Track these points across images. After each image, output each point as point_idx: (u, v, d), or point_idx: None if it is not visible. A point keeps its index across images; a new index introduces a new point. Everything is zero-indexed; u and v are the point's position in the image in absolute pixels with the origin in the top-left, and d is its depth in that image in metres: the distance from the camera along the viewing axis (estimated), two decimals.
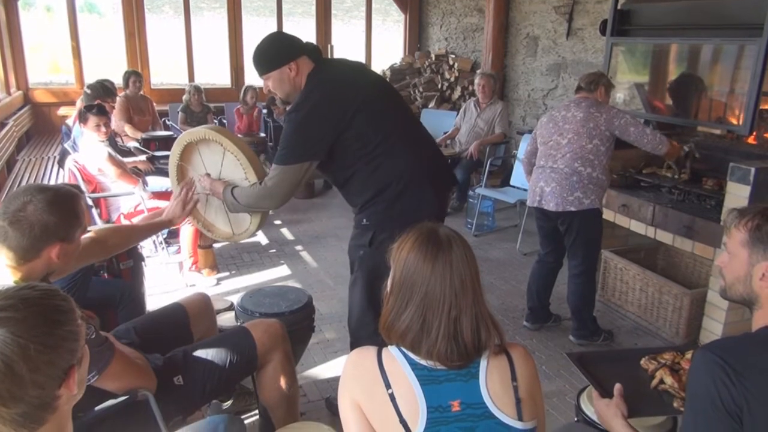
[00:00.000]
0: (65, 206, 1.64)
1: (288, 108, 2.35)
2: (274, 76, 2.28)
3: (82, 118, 3.94)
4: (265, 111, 6.83)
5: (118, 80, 5.92)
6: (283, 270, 4.43)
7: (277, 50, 2.29)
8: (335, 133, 2.24)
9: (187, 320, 2.24)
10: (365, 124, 2.25)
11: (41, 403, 0.93)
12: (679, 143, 3.45)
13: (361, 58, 8.47)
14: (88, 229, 1.96)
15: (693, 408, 1.26)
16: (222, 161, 2.43)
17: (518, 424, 1.27)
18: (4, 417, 0.91)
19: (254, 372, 2.16)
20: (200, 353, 2.00)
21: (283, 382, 2.14)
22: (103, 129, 3.94)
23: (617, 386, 1.59)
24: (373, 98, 2.32)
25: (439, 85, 7.37)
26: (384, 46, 8.80)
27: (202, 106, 6.44)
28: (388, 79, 7.52)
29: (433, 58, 7.56)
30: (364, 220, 2.35)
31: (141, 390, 1.78)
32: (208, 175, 2.48)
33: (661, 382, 1.75)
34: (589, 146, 3.13)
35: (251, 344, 2.06)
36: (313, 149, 2.26)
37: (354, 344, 2.49)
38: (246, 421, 2.48)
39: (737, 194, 2.91)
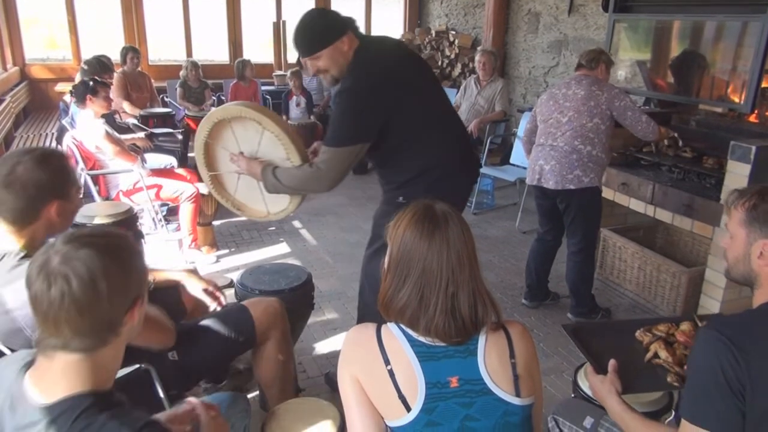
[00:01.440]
0: (54, 162, 1.64)
1: (338, 86, 2.24)
2: (327, 53, 2.16)
3: (92, 91, 3.91)
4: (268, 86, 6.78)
5: (115, 56, 5.87)
6: (282, 247, 4.43)
7: (328, 25, 2.17)
8: (387, 114, 2.17)
9: (178, 293, 2.23)
10: (413, 105, 2.20)
11: (109, 322, 1.07)
12: (666, 131, 3.50)
13: None
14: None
15: (694, 384, 1.27)
16: (260, 140, 2.33)
17: (516, 400, 1.29)
18: (78, 326, 1.03)
19: (251, 349, 2.16)
20: (197, 329, 2.01)
21: (279, 361, 2.14)
22: (110, 100, 3.97)
23: (611, 362, 1.61)
24: (419, 79, 2.27)
25: (439, 62, 7.30)
26: (384, 23, 8.70)
27: (200, 82, 6.40)
28: None
29: (434, 35, 7.49)
30: (401, 198, 2.28)
31: (161, 345, 1.82)
32: (242, 153, 2.39)
33: (656, 356, 1.74)
34: (590, 125, 3.12)
35: (249, 322, 2.07)
36: (367, 130, 2.18)
37: (362, 319, 2.50)
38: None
39: (737, 173, 2.90)
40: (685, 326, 1.80)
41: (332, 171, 2.19)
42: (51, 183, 1.60)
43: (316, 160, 2.22)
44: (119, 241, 1.11)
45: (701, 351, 1.26)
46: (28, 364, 1.11)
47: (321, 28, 2.17)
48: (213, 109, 2.45)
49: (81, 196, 3.92)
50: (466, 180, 2.43)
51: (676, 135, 3.65)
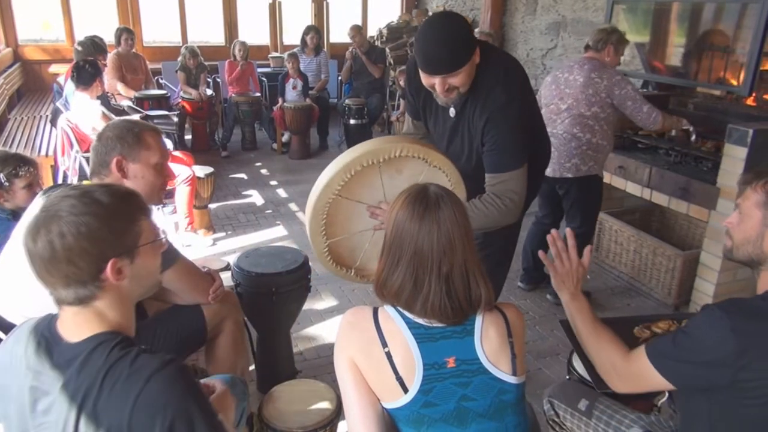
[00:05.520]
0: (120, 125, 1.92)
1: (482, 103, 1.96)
2: (467, 67, 1.84)
3: (100, 72, 3.89)
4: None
5: (109, 38, 5.81)
6: (279, 230, 4.43)
7: (468, 34, 1.84)
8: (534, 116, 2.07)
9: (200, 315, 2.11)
10: (535, 99, 2.15)
11: (78, 278, 1.11)
12: (678, 120, 3.37)
13: (357, 16, 8.31)
14: None
15: (682, 343, 1.31)
16: (420, 180, 1.88)
17: (512, 379, 1.30)
18: (49, 281, 1.11)
19: (204, 344, 2.09)
20: (147, 331, 1.91)
21: (232, 354, 2.07)
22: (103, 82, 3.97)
23: (540, 254, 1.69)
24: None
25: None
26: (381, 4, 8.61)
27: (198, 65, 6.33)
28: (384, 38, 7.40)
29: None
30: None
31: (198, 299, 1.95)
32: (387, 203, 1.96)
33: None
34: (588, 113, 3.05)
35: (199, 315, 2.00)
36: (528, 142, 1.99)
37: None
38: None
39: (734, 156, 2.90)
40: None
41: (522, 194, 1.97)
42: (119, 140, 1.85)
43: (499, 189, 1.95)
44: (90, 206, 1.12)
45: (705, 327, 1.27)
46: (53, 318, 1.20)
47: (464, 38, 1.83)
48: (346, 154, 1.86)
49: (77, 178, 3.92)
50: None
51: (690, 129, 3.39)
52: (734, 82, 3.50)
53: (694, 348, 1.28)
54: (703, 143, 3.42)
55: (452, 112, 2.08)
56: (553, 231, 1.67)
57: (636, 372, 1.40)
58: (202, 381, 1.36)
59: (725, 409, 1.28)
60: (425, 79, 1.91)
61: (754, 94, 3.51)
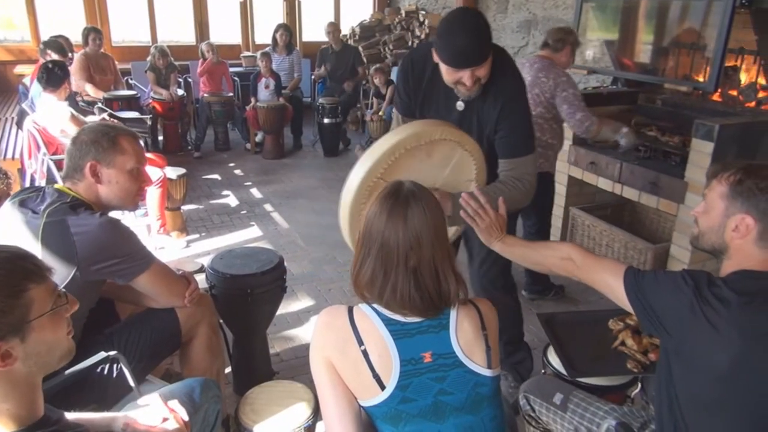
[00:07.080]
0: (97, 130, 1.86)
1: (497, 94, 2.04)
2: (491, 57, 1.92)
3: (68, 74, 3.83)
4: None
5: (76, 38, 5.70)
6: (253, 231, 4.40)
7: (489, 29, 1.94)
8: None
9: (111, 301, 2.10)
10: None
11: None
12: (617, 129, 3.29)
13: (329, 14, 8.28)
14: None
15: (655, 286, 1.35)
16: (452, 163, 1.94)
17: (487, 372, 1.32)
18: None
19: (178, 348, 2.05)
20: (120, 336, 1.88)
21: (207, 357, 2.05)
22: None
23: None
24: None
25: (410, 43, 7.26)
26: (353, 2, 8.60)
27: (168, 65, 6.25)
28: (357, 37, 7.39)
29: (403, 15, 7.44)
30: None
31: (173, 303, 1.92)
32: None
33: (622, 343, 1.84)
34: (534, 113, 2.99)
35: (173, 318, 1.97)
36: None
37: None
38: None
39: (701, 151, 2.96)
40: None
41: (535, 176, 2.07)
42: (94, 143, 1.81)
43: (517, 173, 2.02)
44: None
45: (669, 287, 1.32)
46: None
47: (487, 28, 1.91)
48: (390, 137, 1.84)
49: (45, 181, 3.83)
50: None
51: (620, 141, 3.34)
52: (700, 79, 3.57)
53: (660, 300, 1.33)
54: (671, 138, 3.48)
55: (460, 105, 2.09)
56: (464, 194, 1.75)
57: (600, 276, 1.47)
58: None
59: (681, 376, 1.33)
60: (452, 74, 1.91)
61: (719, 90, 3.58)
